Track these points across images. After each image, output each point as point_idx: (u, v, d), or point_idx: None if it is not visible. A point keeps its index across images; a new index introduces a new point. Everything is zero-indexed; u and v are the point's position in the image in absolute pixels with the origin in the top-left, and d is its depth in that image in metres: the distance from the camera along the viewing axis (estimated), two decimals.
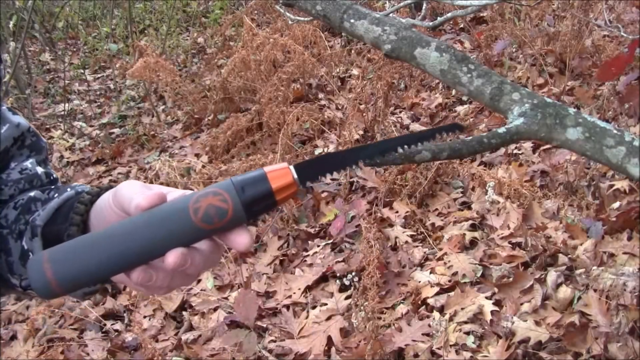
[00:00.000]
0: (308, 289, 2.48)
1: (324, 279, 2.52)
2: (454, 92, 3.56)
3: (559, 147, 1.02)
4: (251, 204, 0.59)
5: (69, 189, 0.74)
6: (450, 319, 2.11)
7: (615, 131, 0.90)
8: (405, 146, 0.68)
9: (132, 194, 0.61)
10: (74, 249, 0.59)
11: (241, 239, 0.60)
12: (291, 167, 0.61)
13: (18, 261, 0.72)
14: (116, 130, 4.69)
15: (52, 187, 0.77)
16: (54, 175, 0.82)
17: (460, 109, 3.40)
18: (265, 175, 0.59)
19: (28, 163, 0.80)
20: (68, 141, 4.55)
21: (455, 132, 0.73)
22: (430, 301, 2.22)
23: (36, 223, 0.71)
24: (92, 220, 0.69)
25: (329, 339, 2.19)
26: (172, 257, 0.58)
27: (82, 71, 5.87)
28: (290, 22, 2.78)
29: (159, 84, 4.54)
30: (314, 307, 2.37)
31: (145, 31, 6.29)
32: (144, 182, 3.14)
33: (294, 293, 2.47)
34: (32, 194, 0.75)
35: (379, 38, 1.11)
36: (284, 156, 3.04)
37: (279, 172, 0.60)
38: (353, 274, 2.33)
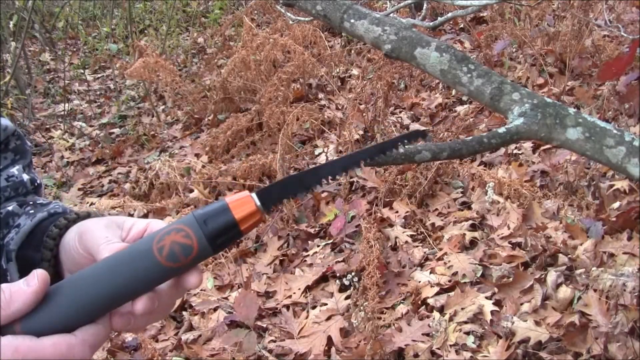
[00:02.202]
0: (308, 289, 2.48)
1: (324, 279, 2.52)
2: (454, 92, 3.56)
3: (559, 147, 1.02)
4: (215, 237, 0.58)
5: (44, 210, 0.74)
6: (450, 319, 2.11)
7: (615, 131, 0.90)
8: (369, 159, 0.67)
9: (97, 242, 0.62)
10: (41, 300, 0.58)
11: (193, 278, 0.60)
12: (253, 194, 0.60)
13: None
14: (116, 130, 4.69)
15: (31, 202, 0.77)
16: (38, 181, 0.83)
17: (460, 109, 3.40)
18: (227, 206, 0.59)
19: (15, 170, 0.80)
20: (68, 141, 4.56)
21: (418, 140, 0.72)
22: (430, 301, 2.22)
23: (10, 247, 0.71)
24: (62, 256, 0.69)
25: (329, 339, 2.19)
26: (141, 303, 0.58)
27: (82, 71, 5.88)
28: (290, 22, 2.78)
29: (159, 84, 4.55)
30: (314, 307, 2.37)
31: (145, 31, 6.30)
32: (144, 182, 3.08)
33: (294, 293, 2.47)
34: (10, 208, 0.75)
35: (379, 38, 1.11)
36: (284, 156, 3.04)
37: (241, 201, 0.59)
38: (353, 274, 2.33)
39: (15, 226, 0.73)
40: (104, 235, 0.63)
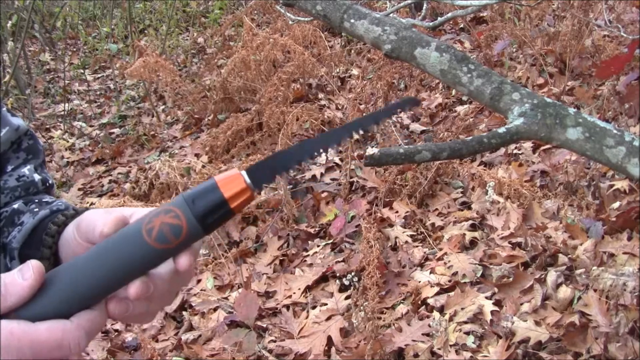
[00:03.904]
0: (308, 289, 2.48)
1: (324, 279, 2.52)
2: (454, 92, 3.56)
3: (559, 147, 1.02)
4: (205, 216, 0.57)
5: (47, 207, 0.74)
6: (450, 319, 2.11)
7: (615, 131, 0.90)
8: (361, 130, 0.65)
9: (95, 222, 0.62)
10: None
11: (183, 259, 0.59)
12: (243, 172, 0.59)
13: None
14: (116, 130, 4.69)
15: (36, 200, 0.77)
16: (50, 181, 0.82)
17: (460, 109, 3.40)
18: (216, 185, 0.58)
19: (26, 170, 0.80)
20: (68, 141, 4.56)
21: (411, 107, 0.70)
22: (430, 301, 2.22)
23: (13, 246, 0.71)
24: (61, 253, 0.69)
25: (329, 339, 2.19)
26: (134, 287, 0.57)
27: (82, 71, 5.88)
28: (290, 22, 2.78)
29: (159, 84, 4.55)
30: (314, 307, 2.37)
31: (145, 31, 6.30)
32: (144, 182, 3.09)
33: (294, 293, 2.47)
34: (15, 206, 0.75)
35: (379, 38, 1.11)
36: None
37: (230, 179, 0.58)
38: (353, 274, 2.33)
39: (19, 224, 0.73)
40: (101, 216, 0.63)
